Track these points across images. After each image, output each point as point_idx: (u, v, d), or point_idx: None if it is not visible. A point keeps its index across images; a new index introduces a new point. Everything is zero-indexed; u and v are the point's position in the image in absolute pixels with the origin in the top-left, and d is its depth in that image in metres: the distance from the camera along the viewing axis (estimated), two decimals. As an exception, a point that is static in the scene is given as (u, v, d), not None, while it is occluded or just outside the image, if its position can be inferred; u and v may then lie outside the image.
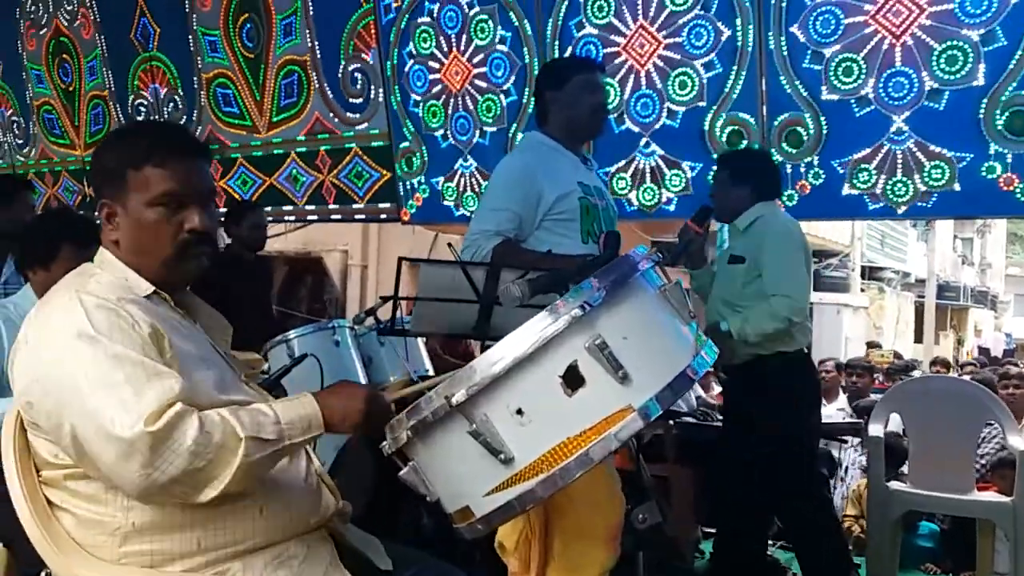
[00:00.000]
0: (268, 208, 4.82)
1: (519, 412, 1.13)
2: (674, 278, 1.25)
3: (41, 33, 5.41)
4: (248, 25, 4.60)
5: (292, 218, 4.99)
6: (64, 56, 5.36)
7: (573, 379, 1.12)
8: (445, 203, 4.19)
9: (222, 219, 4.50)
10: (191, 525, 1.42)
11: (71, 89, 5.38)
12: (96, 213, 1.57)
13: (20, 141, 5.82)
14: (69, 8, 5.23)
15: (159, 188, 1.47)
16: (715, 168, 3.27)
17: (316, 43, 4.40)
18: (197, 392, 1.41)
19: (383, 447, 1.28)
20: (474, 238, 2.32)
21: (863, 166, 3.24)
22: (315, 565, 1.49)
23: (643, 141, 3.68)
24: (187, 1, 4.74)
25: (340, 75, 4.38)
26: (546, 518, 1.44)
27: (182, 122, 4.94)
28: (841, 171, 3.28)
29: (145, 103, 5.11)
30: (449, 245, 2.04)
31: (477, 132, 4.04)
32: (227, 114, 4.82)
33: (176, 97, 4.98)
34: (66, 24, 5.28)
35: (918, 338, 16.19)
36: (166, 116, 5.02)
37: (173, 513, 1.40)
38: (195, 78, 4.85)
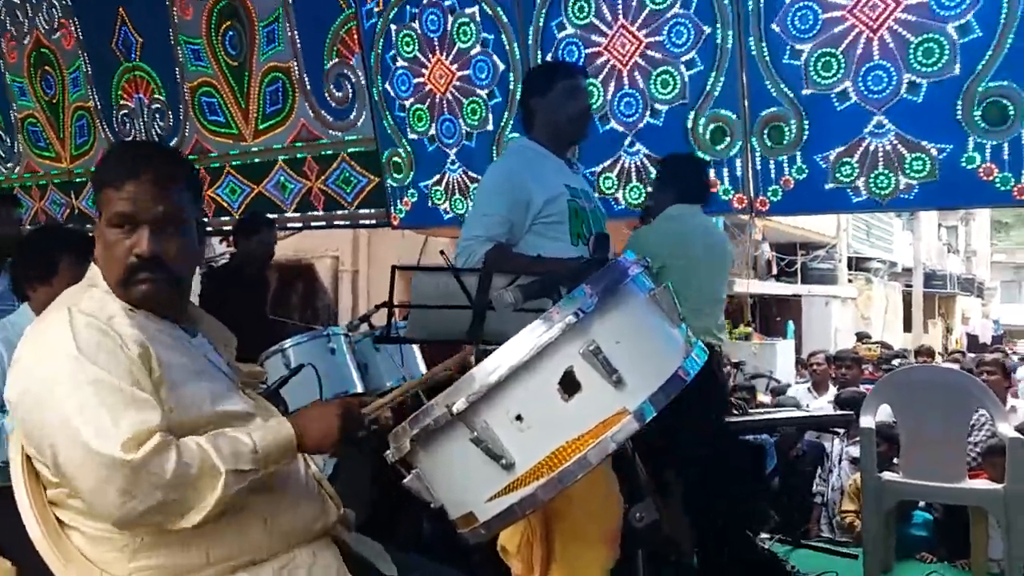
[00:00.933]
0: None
1: (518, 418, 1.16)
2: (664, 283, 1.28)
3: (23, 44, 5.38)
4: (231, 33, 4.60)
5: (280, 226, 4.98)
6: (46, 68, 5.34)
7: (569, 385, 1.15)
8: (434, 206, 4.21)
9: (235, 231, 4.57)
10: (199, 539, 1.44)
11: (55, 101, 5.37)
12: None
13: (4, 155, 5.80)
14: (49, 19, 5.21)
15: (113, 208, 1.49)
16: None
17: (299, 49, 4.40)
18: (190, 405, 1.44)
19: (387, 455, 1.31)
20: (466, 244, 2.36)
21: (845, 160, 3.27)
22: (322, 573, 1.52)
23: (627, 140, 3.71)
24: (168, 9, 4.73)
25: (324, 81, 4.39)
26: (547, 521, 1.47)
27: (167, 133, 4.94)
28: (824, 165, 3.32)
29: (130, 113, 5.10)
30: (441, 252, 2.06)
31: (463, 135, 4.06)
32: (213, 123, 4.82)
33: (161, 107, 4.97)
34: (47, 35, 5.26)
35: (907, 327, 16.32)
36: (152, 126, 5.02)
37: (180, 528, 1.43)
38: (179, 87, 4.85)
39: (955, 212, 19.45)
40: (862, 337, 10.57)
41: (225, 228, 5.12)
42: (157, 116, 5.00)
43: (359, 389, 3.20)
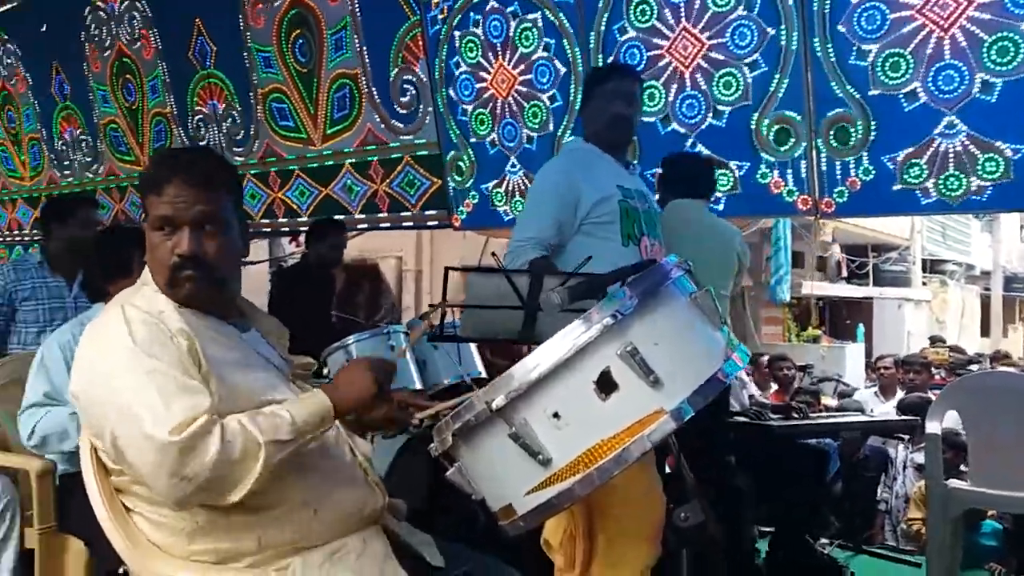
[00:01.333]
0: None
1: (556, 416, 1.19)
2: (705, 286, 1.29)
3: (105, 55, 5.62)
4: (300, 40, 4.73)
5: (349, 227, 5.10)
6: (127, 76, 5.57)
7: (606, 384, 1.18)
8: (494, 208, 4.26)
9: (308, 233, 4.75)
10: (252, 525, 1.52)
11: (135, 107, 5.60)
12: None
13: (89, 159, 6.07)
14: (131, 30, 5.44)
15: (154, 212, 1.57)
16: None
17: (366, 56, 4.50)
18: (237, 395, 1.51)
19: (431, 448, 1.35)
20: (517, 245, 2.39)
21: (913, 161, 3.21)
22: (371, 559, 1.57)
23: (689, 142, 3.69)
24: (241, 18, 4.89)
25: (390, 87, 4.48)
26: (589, 516, 1.49)
27: (240, 137, 5.11)
28: (891, 167, 3.25)
29: (205, 119, 5.29)
30: (493, 254, 2.10)
31: (524, 137, 4.11)
32: (283, 128, 4.96)
33: (234, 113, 5.14)
34: (128, 45, 5.50)
35: (984, 332, 15.74)
36: (224, 131, 5.20)
37: (234, 514, 1.50)
38: (251, 93, 5.01)
39: (1039, 214, 18.61)
40: (935, 341, 10.25)
41: (299, 229, 5.27)
42: (230, 121, 5.17)
43: (418, 386, 3.26)
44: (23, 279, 3.60)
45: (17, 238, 6.84)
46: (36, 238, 6.37)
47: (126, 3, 5.40)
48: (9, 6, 5.87)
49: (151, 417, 1.40)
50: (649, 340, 1.18)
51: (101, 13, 5.57)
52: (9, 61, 6.24)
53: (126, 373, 1.45)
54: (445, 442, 1.28)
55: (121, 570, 1.66)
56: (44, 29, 5.83)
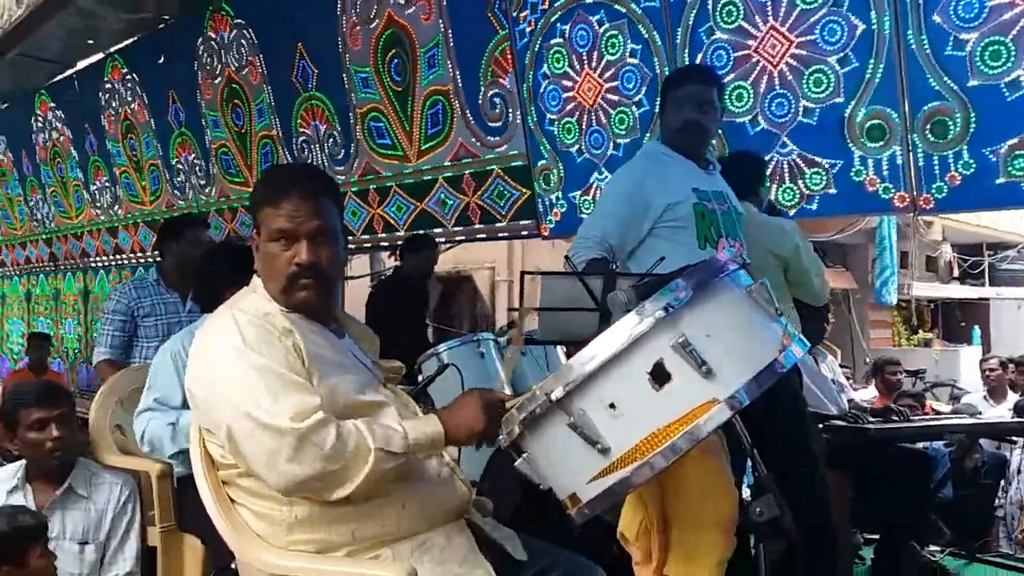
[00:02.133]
0: (421, 232, 5.13)
1: (612, 406, 1.23)
2: (760, 278, 1.30)
3: (216, 82, 5.96)
4: (396, 60, 4.90)
5: (443, 239, 5.24)
6: (236, 101, 5.88)
7: (660, 375, 1.21)
8: (582, 216, 4.29)
9: (403, 249, 5.01)
10: (346, 519, 1.62)
11: (243, 131, 5.91)
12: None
13: (202, 182, 6.44)
14: (238, 57, 5.75)
15: (274, 225, 1.69)
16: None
17: (457, 72, 4.62)
18: (335, 394, 1.61)
19: (500, 440, 1.41)
20: (581, 241, 2.44)
21: (1018, 153, 3.07)
22: (455, 552, 1.65)
23: (780, 141, 3.64)
24: (340, 41, 5.09)
25: (480, 101, 4.58)
26: (663, 509, 1.52)
27: (340, 156, 5.32)
28: (993, 159, 3.12)
29: (308, 140, 5.54)
30: (566, 258, 2.15)
31: (611, 145, 4.13)
32: (381, 146, 5.14)
33: (335, 133, 5.36)
34: (236, 72, 5.81)
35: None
36: (326, 151, 5.42)
37: (330, 508, 1.60)
38: (350, 114, 5.20)
39: None
40: (1058, 342, 9.63)
41: (397, 244, 5.44)
42: (331, 141, 5.39)
43: (507, 391, 3.33)
44: (143, 297, 3.86)
45: (140, 259, 7.30)
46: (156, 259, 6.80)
47: (234, 32, 5.71)
48: (130, 40, 6.31)
49: (263, 409, 1.52)
50: (701, 331, 1.21)
51: (212, 42, 5.91)
52: (131, 93, 6.69)
53: (237, 369, 1.57)
54: (512, 433, 1.34)
55: (232, 565, 1.78)
56: (161, 61, 6.23)
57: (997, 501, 4.54)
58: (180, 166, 6.57)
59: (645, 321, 1.21)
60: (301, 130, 5.54)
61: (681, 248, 2.40)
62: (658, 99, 3.89)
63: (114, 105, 6.91)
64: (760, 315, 1.28)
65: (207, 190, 6.40)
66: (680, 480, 1.47)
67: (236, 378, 1.56)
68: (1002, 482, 4.54)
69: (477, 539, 1.72)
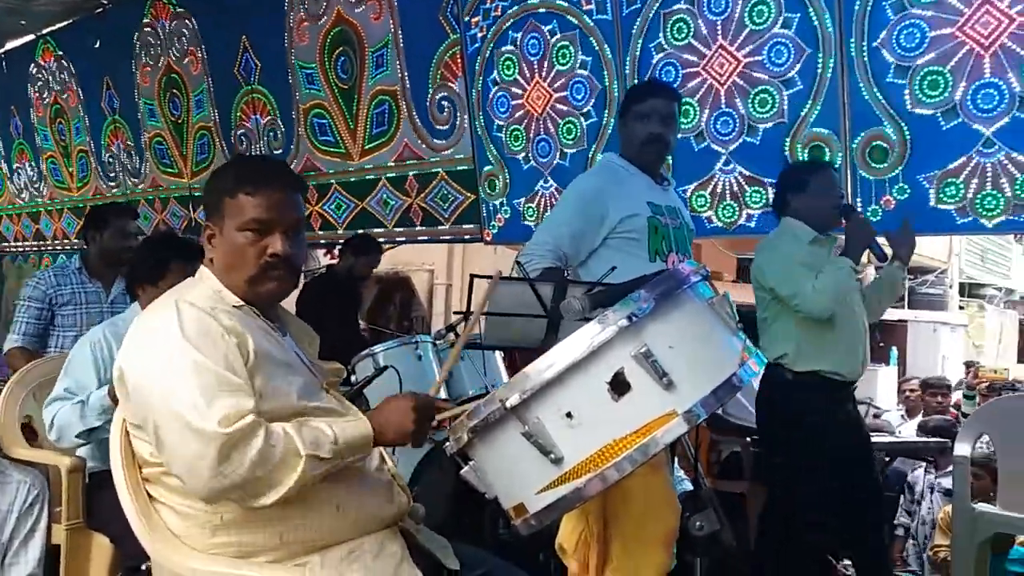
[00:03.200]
0: (359, 231, 5.05)
1: (568, 415, 1.20)
2: (722, 291, 1.30)
3: (154, 71, 5.79)
4: (343, 58, 4.83)
5: (384, 240, 5.17)
6: (174, 91, 5.72)
7: (619, 385, 1.19)
8: (525, 223, 4.28)
9: (346, 246, 4.86)
10: (274, 521, 1.55)
11: (180, 122, 5.74)
12: (201, 235, 1.73)
13: (134, 171, 6.23)
14: (180, 46, 5.59)
15: (250, 214, 1.62)
16: (829, 170, 3.24)
17: (406, 74, 4.58)
18: (279, 396, 1.55)
19: (446, 447, 1.37)
20: (534, 248, 2.44)
21: (950, 180, 3.17)
22: (386, 560, 1.59)
23: (723, 159, 3.69)
24: (287, 36, 5.00)
25: (428, 104, 4.54)
26: (604, 522, 1.49)
27: (280, 151, 5.21)
28: (927, 185, 3.22)
29: (247, 133, 5.41)
30: (517, 262, 2.13)
31: (558, 154, 4.13)
32: (323, 143, 5.05)
33: (276, 128, 5.25)
34: (176, 61, 5.65)
35: (1022, 357, 15.32)
36: (266, 146, 5.31)
37: (259, 511, 1.53)
38: (293, 109, 5.11)
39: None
40: (970, 366, 10.02)
41: (336, 242, 5.34)
42: (271, 136, 5.28)
43: (443, 395, 3.28)
44: (63, 285, 3.70)
45: (61, 247, 7.03)
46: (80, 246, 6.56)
47: (176, 21, 5.56)
48: (64, 23, 6.08)
49: (195, 410, 1.45)
50: (664, 342, 1.19)
51: (153, 30, 5.74)
52: (63, 76, 6.45)
53: (171, 365, 1.49)
54: (460, 440, 1.30)
55: (144, 566, 1.69)
56: (97, 46, 6.02)
57: (898, 518, 4.66)
58: (111, 154, 6.35)
59: (607, 330, 1.18)
60: (241, 123, 5.41)
61: (632, 260, 2.40)
62: (606, 112, 3.94)
63: (44, 88, 6.65)
64: (721, 328, 1.27)
65: (138, 179, 6.20)
66: (624, 494, 1.45)
67: (170, 373, 1.49)
68: (902, 498, 4.67)
69: (409, 547, 1.67)
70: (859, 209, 3.38)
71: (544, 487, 1.22)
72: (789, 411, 3.04)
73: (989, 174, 3.11)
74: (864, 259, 3.17)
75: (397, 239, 5.14)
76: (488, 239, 4.50)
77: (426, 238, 4.91)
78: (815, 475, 2.98)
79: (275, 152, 5.25)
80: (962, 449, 3.18)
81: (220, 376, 1.48)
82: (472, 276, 1.95)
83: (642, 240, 2.48)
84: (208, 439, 1.42)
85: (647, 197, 2.58)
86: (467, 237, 4.74)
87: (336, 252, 5.26)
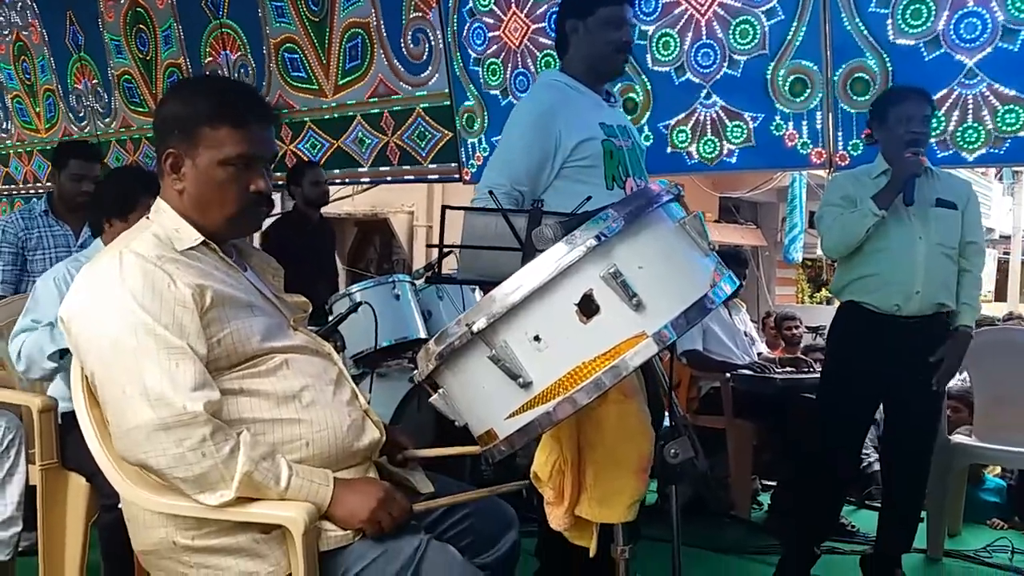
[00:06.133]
0: (336, 171, 4.96)
1: (536, 339, 1.17)
2: (694, 211, 1.26)
3: (119, 4, 5.59)
4: (314, -12, 4.69)
5: (355, 180, 5.09)
6: (141, 26, 5.54)
7: (588, 307, 1.16)
8: (506, 161, 4.21)
9: (284, 183, 4.65)
10: None
11: (148, 58, 5.58)
12: (160, 160, 1.61)
13: (103, 111, 6.07)
14: (144, -22, 5.41)
15: (235, 150, 1.54)
16: (915, 100, 2.91)
17: (379, 5, 4.45)
18: (240, 339, 1.51)
19: (414, 375, 1.35)
20: (486, 192, 2.22)
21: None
22: None
23: (704, 92, 3.63)
24: (255, -33, 4.85)
25: (402, 36, 4.43)
26: (579, 450, 1.49)
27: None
28: (908, 118, 3.18)
29: (217, 70, 5.26)
30: (491, 192, 2.06)
31: (536, 88, 4.04)
32: (295, 79, 4.93)
33: (246, 63, 5.11)
34: (141, -6, 5.46)
35: (1000, 296, 15.52)
36: (238, 82, 5.16)
37: None
38: (263, 44, 4.97)
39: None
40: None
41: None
42: (242, 72, 5.14)
43: (422, 335, 3.26)
44: (31, 228, 3.57)
45: (34, 191, 6.88)
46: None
47: (139, -49, 5.36)
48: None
49: (127, 374, 1.41)
50: (633, 263, 1.16)
51: (115, -39, 5.54)
52: (23, 10, 6.22)
53: (113, 321, 1.44)
54: (428, 367, 1.27)
55: (120, 505, 1.67)
56: (58, -22, 5.81)
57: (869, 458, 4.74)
58: (79, 92, 6.17)
59: (575, 250, 1.15)
60: (210, 59, 5.26)
61: (588, 189, 2.21)
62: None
63: (6, 25, 6.42)
64: (693, 249, 1.23)
65: (108, 119, 6.04)
66: (598, 421, 1.44)
67: (109, 330, 1.44)
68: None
69: (383, 477, 1.66)
70: (840, 142, 3.35)
71: (513, 412, 1.20)
72: (830, 338, 3.12)
73: (971, 106, 3.09)
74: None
75: (374, 179, 5.06)
76: (467, 179, 4.43)
77: (404, 177, 4.83)
78: (830, 400, 3.01)
79: (247, 89, 5.10)
80: (937, 382, 3.20)
81: (160, 338, 1.42)
82: (444, 207, 1.90)
83: (598, 166, 2.31)
84: (140, 411, 1.39)
85: (598, 118, 2.38)
86: (445, 177, 4.67)
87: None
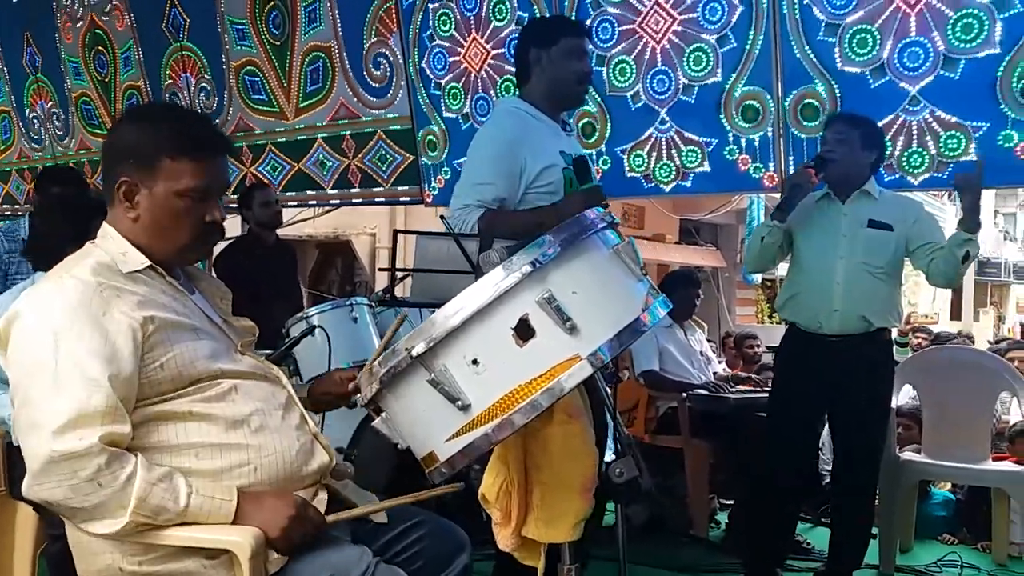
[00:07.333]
0: (292, 193, 4.96)
1: (475, 362, 1.20)
2: (627, 237, 1.30)
3: (78, 26, 5.57)
4: (274, 13, 4.71)
5: (317, 203, 5.09)
6: (99, 48, 5.52)
7: (524, 331, 1.19)
8: (466, 184, 4.24)
9: (235, 206, 4.61)
10: (191, 482, 1.51)
11: (107, 80, 5.55)
12: (110, 187, 1.60)
13: (60, 132, 6.01)
14: (103, 0, 5.38)
15: (193, 182, 1.55)
16: (834, 125, 3.06)
17: (340, 29, 4.49)
18: (184, 363, 1.51)
19: (356, 399, 1.36)
20: (458, 214, 2.28)
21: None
22: None
23: (659, 117, 3.70)
24: (216, -10, 4.85)
25: (363, 60, 4.46)
26: (526, 471, 1.51)
27: (212, 110, 5.07)
28: (857, 143, 3.26)
29: (177, 92, 5.25)
30: (441, 217, 2.09)
31: (495, 112, 4.09)
32: (256, 101, 4.94)
33: (206, 86, 5.11)
34: (99, 15, 5.43)
35: (955, 315, 15.85)
36: (198, 105, 5.15)
37: (177, 471, 1.49)
38: (224, 67, 4.97)
39: (1014, 198, 18.68)
40: (906, 323, 10.38)
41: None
42: (203, 95, 5.13)
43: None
44: (13, 251, 3.53)
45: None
46: (6, 213, 6.32)
47: (98, -28, 5.34)
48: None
49: (42, 405, 1.40)
50: (567, 288, 1.19)
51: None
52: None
53: (37, 349, 1.43)
54: (371, 391, 1.29)
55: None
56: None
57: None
58: (35, 114, 6.11)
59: (512, 276, 1.18)
60: (170, 82, 5.25)
61: None
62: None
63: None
64: (625, 274, 1.27)
65: (66, 141, 5.98)
66: (544, 442, 1.46)
67: (33, 357, 1.43)
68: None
69: (335, 501, 1.66)
70: (792, 166, 3.43)
71: (453, 434, 1.22)
72: (776, 357, 3.30)
73: (915, 132, 3.18)
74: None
75: (334, 202, 5.06)
76: (428, 201, 4.45)
77: (364, 200, 4.84)
78: (775, 420, 3.13)
79: (207, 112, 5.10)
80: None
81: (80, 367, 1.41)
82: (395, 231, 1.93)
83: (559, 192, 2.36)
84: (41, 440, 1.38)
85: (558, 146, 2.43)
86: (406, 199, 4.69)
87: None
